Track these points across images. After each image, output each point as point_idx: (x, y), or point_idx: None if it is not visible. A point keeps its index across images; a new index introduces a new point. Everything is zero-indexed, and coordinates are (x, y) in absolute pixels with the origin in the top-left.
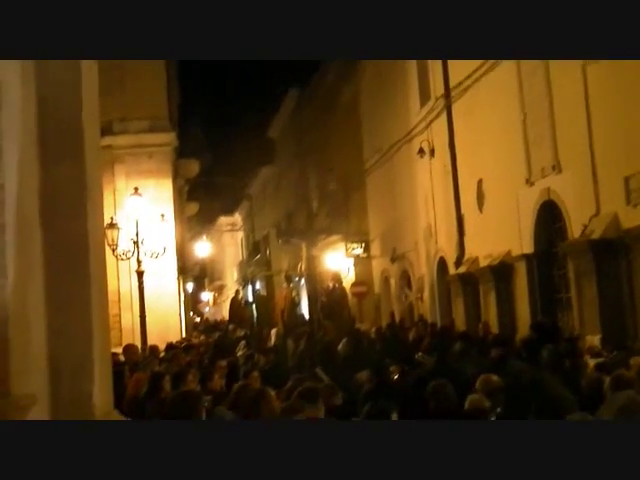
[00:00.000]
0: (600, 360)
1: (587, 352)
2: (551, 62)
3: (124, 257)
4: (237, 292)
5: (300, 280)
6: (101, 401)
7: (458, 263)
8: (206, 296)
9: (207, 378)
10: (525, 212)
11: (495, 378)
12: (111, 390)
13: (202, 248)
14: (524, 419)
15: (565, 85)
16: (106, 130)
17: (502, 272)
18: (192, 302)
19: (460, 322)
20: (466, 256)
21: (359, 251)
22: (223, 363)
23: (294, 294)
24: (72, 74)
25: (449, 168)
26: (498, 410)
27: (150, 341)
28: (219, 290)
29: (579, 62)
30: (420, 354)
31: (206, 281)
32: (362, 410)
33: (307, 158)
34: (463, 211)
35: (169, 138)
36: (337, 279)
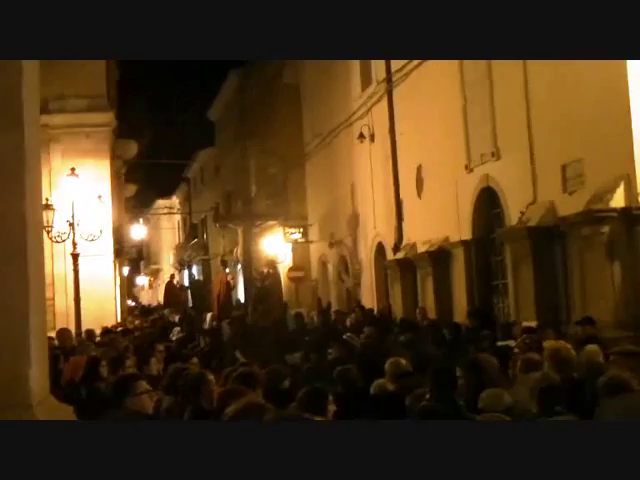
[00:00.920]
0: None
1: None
2: None
3: (59, 239)
4: (172, 276)
5: (237, 265)
6: (37, 386)
7: (396, 249)
8: (142, 280)
9: (144, 362)
10: (464, 198)
11: (404, 362)
12: (47, 375)
13: (139, 231)
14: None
15: (505, 72)
16: (42, 108)
17: (440, 258)
18: (128, 286)
19: (397, 308)
20: (404, 242)
21: (297, 236)
22: (161, 347)
23: (230, 278)
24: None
25: (389, 153)
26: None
27: (85, 325)
28: (155, 274)
29: None
30: (348, 334)
31: (142, 265)
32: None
33: (247, 141)
34: (402, 196)
35: (107, 118)
36: (271, 264)
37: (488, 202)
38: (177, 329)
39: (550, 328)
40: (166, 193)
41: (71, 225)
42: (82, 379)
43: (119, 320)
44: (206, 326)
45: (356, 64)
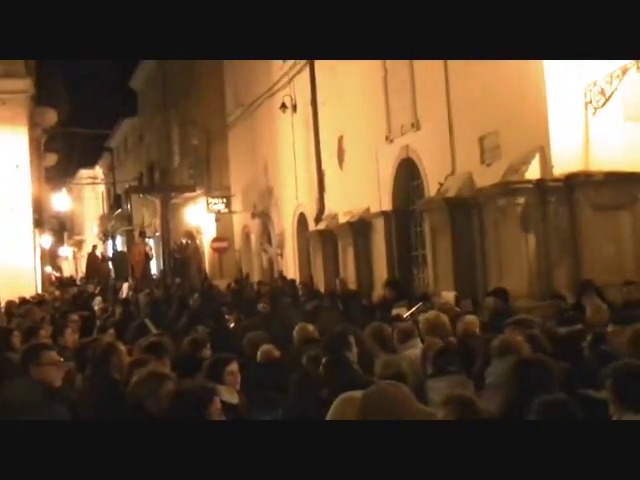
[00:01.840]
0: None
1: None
2: None
3: None
4: (94, 247)
5: (155, 236)
6: None
7: (318, 219)
8: (65, 251)
9: (59, 333)
10: (384, 169)
11: (311, 327)
12: None
13: (61, 201)
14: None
15: None
16: None
17: (360, 229)
18: (51, 257)
19: (319, 278)
20: (326, 212)
21: (220, 206)
22: (75, 317)
23: (148, 250)
24: None
25: (310, 123)
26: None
27: (3, 296)
28: (78, 245)
29: None
30: (261, 304)
31: (65, 235)
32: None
33: (170, 110)
34: (324, 167)
35: (25, 85)
36: (190, 235)
37: (408, 173)
38: (99, 299)
39: (468, 298)
40: (89, 163)
41: None
42: None
43: (39, 291)
44: (122, 296)
45: None
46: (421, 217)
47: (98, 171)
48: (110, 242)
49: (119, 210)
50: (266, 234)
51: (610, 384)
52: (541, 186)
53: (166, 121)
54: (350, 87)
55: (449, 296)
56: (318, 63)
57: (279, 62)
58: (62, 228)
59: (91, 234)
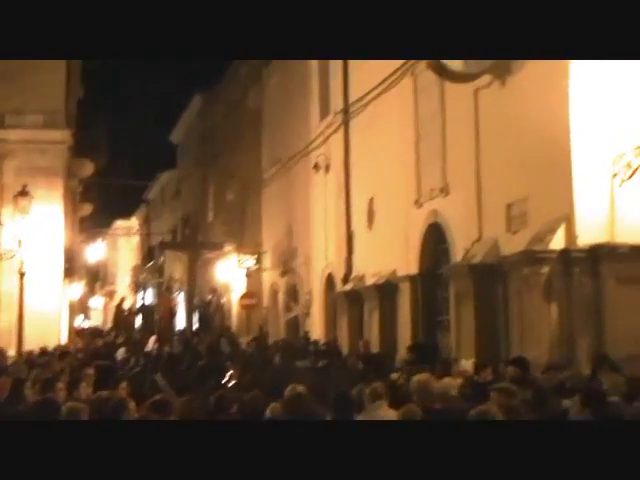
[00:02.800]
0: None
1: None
2: (446, 84)
3: (6, 256)
4: (122, 299)
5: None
6: None
7: (345, 280)
8: (96, 301)
9: (75, 386)
10: (413, 232)
11: (300, 388)
12: None
13: (94, 251)
14: None
15: (458, 109)
16: None
17: (387, 291)
18: (82, 307)
19: (343, 339)
20: (354, 273)
21: (251, 263)
22: (90, 371)
23: (173, 304)
24: None
25: (342, 184)
26: None
27: (28, 345)
28: (110, 295)
29: (472, 86)
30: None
31: (97, 285)
32: None
33: (208, 165)
34: (353, 228)
35: (64, 136)
36: (215, 292)
37: (436, 237)
38: (123, 349)
39: (489, 366)
40: (125, 214)
41: (19, 243)
42: (6, 399)
43: (65, 341)
44: (148, 349)
45: (315, 92)
46: (447, 282)
47: (134, 222)
48: (141, 293)
49: (151, 262)
50: (293, 292)
51: None
52: (565, 256)
53: (203, 175)
54: (383, 149)
55: (467, 364)
56: (353, 124)
57: (316, 119)
58: (94, 278)
59: (123, 285)
